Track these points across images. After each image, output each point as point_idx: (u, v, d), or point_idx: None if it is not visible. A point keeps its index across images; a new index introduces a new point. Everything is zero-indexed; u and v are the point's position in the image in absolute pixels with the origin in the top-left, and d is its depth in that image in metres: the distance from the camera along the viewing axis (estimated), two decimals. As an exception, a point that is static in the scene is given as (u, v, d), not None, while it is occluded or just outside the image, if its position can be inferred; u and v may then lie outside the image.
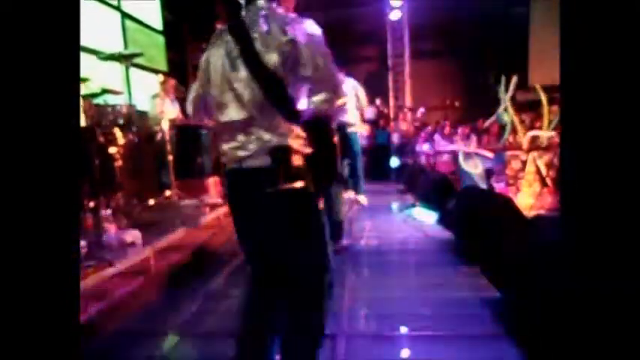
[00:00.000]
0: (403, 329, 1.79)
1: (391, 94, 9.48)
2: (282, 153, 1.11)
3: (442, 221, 3.40)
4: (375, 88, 9.19)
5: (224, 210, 3.54)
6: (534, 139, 3.66)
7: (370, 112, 7.96)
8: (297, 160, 1.12)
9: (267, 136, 1.12)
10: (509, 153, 3.94)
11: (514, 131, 4.19)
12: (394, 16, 8.21)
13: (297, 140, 1.13)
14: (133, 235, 2.43)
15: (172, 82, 4.36)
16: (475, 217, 2.73)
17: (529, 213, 3.07)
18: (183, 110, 4.64)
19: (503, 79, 4.19)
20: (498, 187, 3.99)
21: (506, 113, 4.17)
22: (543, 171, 3.46)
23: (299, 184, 1.11)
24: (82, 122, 2.87)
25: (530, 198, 3.50)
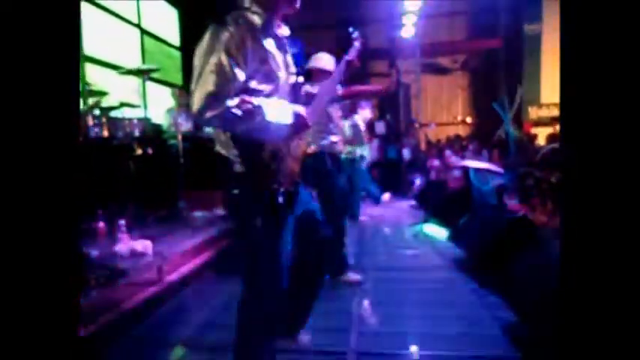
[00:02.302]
0: (413, 348, 1.74)
1: (402, 109, 9.51)
2: (218, 161, 1.20)
3: (454, 238, 3.35)
4: (385, 104, 9.25)
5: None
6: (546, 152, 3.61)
7: (381, 127, 7.99)
8: (237, 168, 1.15)
9: (216, 144, 1.22)
10: (522, 169, 3.89)
11: (523, 147, 4.15)
12: (405, 33, 8.31)
13: (230, 149, 1.16)
14: (144, 245, 2.46)
15: (186, 95, 4.47)
16: (489, 235, 2.69)
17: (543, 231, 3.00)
18: (195, 123, 4.73)
19: (505, 98, 4.19)
20: (511, 204, 3.92)
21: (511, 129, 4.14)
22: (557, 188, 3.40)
23: (235, 190, 1.18)
24: (100, 134, 2.95)
25: (544, 216, 3.44)
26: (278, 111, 1.14)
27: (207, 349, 1.79)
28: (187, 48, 6.39)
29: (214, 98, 1.05)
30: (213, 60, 1.06)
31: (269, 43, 1.16)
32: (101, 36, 4.47)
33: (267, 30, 1.16)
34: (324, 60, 2.48)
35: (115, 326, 1.79)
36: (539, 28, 8.34)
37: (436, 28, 9.49)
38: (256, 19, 1.14)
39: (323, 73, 2.41)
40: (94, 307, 1.77)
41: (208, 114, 1.05)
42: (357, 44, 1.49)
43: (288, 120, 1.16)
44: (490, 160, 6.03)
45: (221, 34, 1.08)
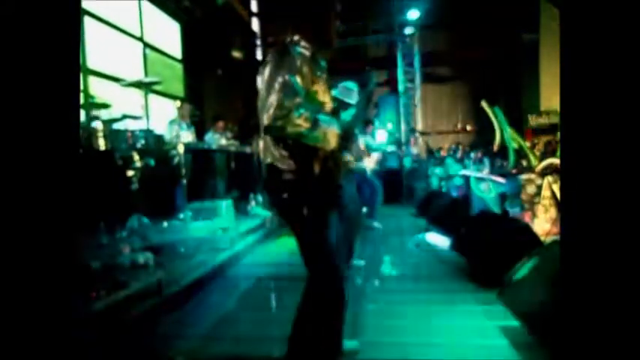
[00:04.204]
0: (415, 358, 1.73)
1: (402, 118, 9.56)
2: (268, 170, 1.37)
3: (455, 246, 3.33)
4: (386, 113, 9.29)
5: (236, 233, 3.56)
6: (549, 164, 3.61)
7: (381, 136, 8.02)
8: (286, 176, 1.33)
9: (267, 157, 1.37)
10: (523, 177, 3.88)
11: (524, 155, 4.14)
12: (408, 31, 8.42)
13: (282, 160, 1.33)
14: (146, 257, 2.45)
15: (188, 106, 4.52)
16: (491, 243, 2.68)
17: (546, 239, 2.99)
18: (197, 134, 4.77)
19: (486, 104, 4.20)
20: (513, 211, 3.91)
21: (508, 137, 4.13)
22: (559, 196, 3.39)
23: (285, 195, 1.35)
24: (103, 146, 2.98)
25: (546, 223, 3.42)
26: (329, 122, 1.35)
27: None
28: (189, 60, 6.47)
29: (283, 109, 1.24)
30: (279, 80, 1.26)
31: (316, 70, 1.38)
32: (104, 49, 4.54)
33: (313, 60, 1.39)
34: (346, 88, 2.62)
35: (115, 338, 1.78)
36: (537, 37, 8.42)
37: (436, 37, 9.58)
38: (306, 52, 1.38)
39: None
40: (95, 319, 1.76)
41: (279, 122, 1.23)
42: None
43: (337, 130, 1.35)
44: (491, 168, 6.03)
45: (282, 60, 1.31)
